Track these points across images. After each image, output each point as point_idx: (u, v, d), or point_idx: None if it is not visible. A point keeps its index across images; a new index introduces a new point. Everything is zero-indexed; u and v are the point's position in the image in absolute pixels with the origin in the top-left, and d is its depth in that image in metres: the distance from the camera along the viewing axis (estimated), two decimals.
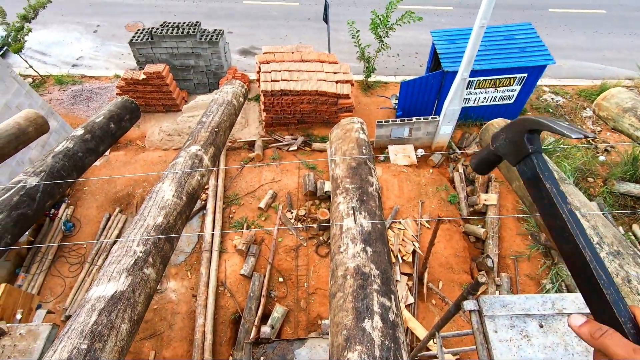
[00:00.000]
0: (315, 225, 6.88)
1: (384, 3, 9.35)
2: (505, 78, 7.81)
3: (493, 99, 8.25)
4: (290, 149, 8.60)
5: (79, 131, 3.01)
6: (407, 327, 5.44)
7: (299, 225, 6.92)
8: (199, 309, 5.92)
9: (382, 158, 8.18)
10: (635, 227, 6.42)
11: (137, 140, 9.20)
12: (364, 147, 2.30)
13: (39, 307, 5.02)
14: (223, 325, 5.84)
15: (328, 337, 1.94)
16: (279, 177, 7.80)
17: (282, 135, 9.04)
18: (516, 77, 7.78)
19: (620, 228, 6.34)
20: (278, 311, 5.78)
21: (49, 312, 2.86)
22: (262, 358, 1.88)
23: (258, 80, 8.84)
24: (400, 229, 6.58)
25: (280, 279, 6.25)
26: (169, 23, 9.43)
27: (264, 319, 5.90)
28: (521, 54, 7.74)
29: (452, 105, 7.46)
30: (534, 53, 7.72)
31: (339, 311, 1.52)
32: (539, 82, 8.89)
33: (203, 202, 7.55)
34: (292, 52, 9.28)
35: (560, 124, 0.91)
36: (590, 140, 8.06)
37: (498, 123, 2.63)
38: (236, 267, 6.37)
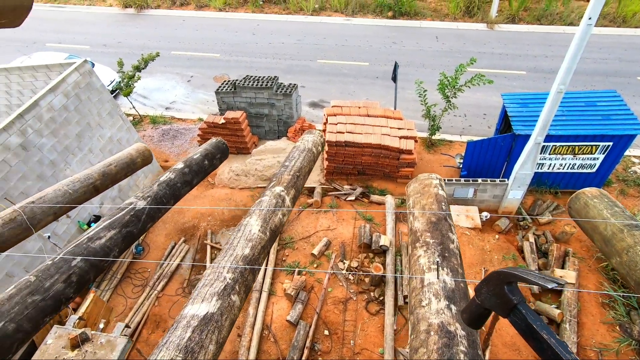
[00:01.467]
0: (367, 280, 6.65)
1: (453, 65, 9.57)
2: (586, 145, 7.28)
3: (571, 166, 7.67)
4: (348, 199, 8.68)
5: (180, 165, 3.48)
6: None
7: (351, 277, 6.75)
8: (242, 350, 5.87)
9: None
10: None
11: (209, 178, 10.00)
12: (443, 204, 2.30)
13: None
14: None
15: None
16: (334, 226, 7.83)
17: (342, 184, 9.21)
18: (599, 145, 7.22)
19: None
20: None
21: (127, 326, 3.11)
22: None
23: (324, 130, 9.31)
24: None
25: (326, 332, 6.02)
26: (251, 76, 10.55)
27: None
28: (605, 121, 7.24)
29: (524, 169, 7.07)
30: (620, 121, 7.17)
31: None
32: (627, 152, 8.13)
33: None
34: (359, 107, 9.72)
35: (533, 275, 0.94)
36: None
37: (591, 192, 2.45)
38: (283, 312, 6.30)
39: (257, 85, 10.16)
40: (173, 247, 7.92)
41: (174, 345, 1.29)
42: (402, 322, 6.04)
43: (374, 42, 15.44)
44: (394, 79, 9.82)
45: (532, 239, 7.13)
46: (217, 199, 8.86)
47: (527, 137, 7.17)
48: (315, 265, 7.07)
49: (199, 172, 3.63)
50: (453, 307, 1.70)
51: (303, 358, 5.69)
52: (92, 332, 2.62)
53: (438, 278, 1.83)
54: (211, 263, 7.25)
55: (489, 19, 16.15)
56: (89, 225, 7.64)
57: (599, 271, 6.47)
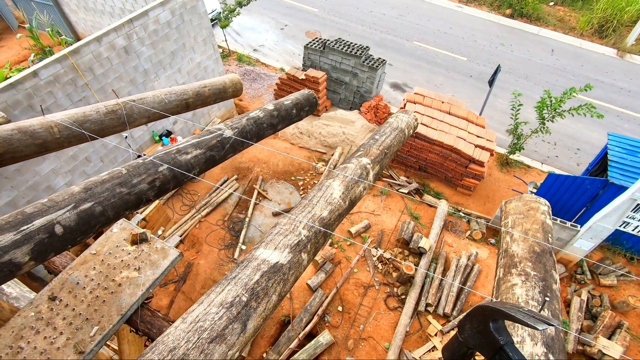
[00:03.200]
0: (394, 274, 6.56)
1: (562, 86, 8.53)
2: None
3: None
4: (400, 190, 8.43)
5: (270, 106, 3.54)
6: None
7: (380, 266, 6.68)
8: None
9: (492, 241, 7.38)
10: None
11: None
12: (549, 235, 2.09)
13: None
14: (271, 321, 5.96)
15: None
16: (379, 212, 7.70)
17: (399, 174, 8.94)
18: None
19: None
20: (325, 337, 5.64)
21: (181, 241, 3.36)
22: None
23: None
24: None
25: (340, 308, 6.11)
26: (343, 40, 10.29)
27: (309, 336, 5.83)
28: None
29: (605, 222, 6.32)
30: None
31: None
32: None
33: None
34: (442, 102, 9.16)
35: (522, 313, 0.78)
36: None
37: None
38: (305, 275, 6.46)
39: (346, 50, 9.91)
40: (225, 181, 8.33)
41: (242, 283, 1.31)
42: (416, 327, 5.93)
43: (480, 37, 14.21)
44: (491, 82, 9.03)
45: (584, 296, 6.49)
46: (277, 149, 9.07)
47: (622, 188, 6.33)
48: (348, 243, 7.08)
49: (285, 119, 3.66)
50: (551, 358, 1.53)
51: (311, 323, 5.86)
52: (151, 235, 2.83)
53: None
54: (253, 209, 7.44)
55: (623, 46, 14.03)
56: (160, 137, 8.23)
57: None
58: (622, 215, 6.15)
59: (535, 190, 8.18)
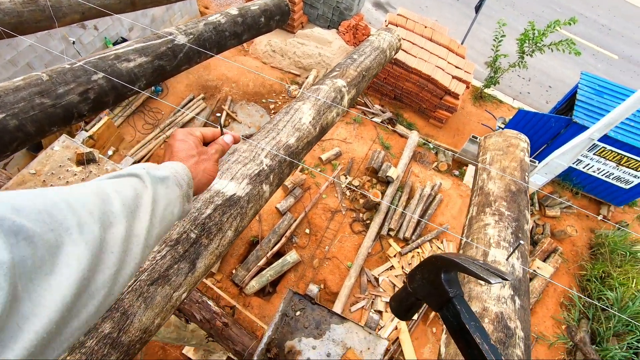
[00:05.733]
0: (361, 201, 6.79)
1: (545, 18, 8.24)
2: (636, 160, 6.76)
3: (608, 174, 7.25)
4: (373, 119, 8.33)
5: (234, 11, 2.99)
6: (397, 338, 5.40)
7: (348, 192, 6.87)
8: None
9: (457, 173, 7.69)
10: None
11: (245, 44, 9.37)
12: (526, 174, 2.04)
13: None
14: (241, 242, 6.15)
15: (370, 329, 1.90)
16: (350, 140, 7.67)
17: (373, 102, 8.74)
18: None
19: None
20: (292, 256, 5.95)
21: (135, 163, 3.11)
22: (298, 312, 1.87)
23: None
24: (440, 248, 6.31)
25: (307, 231, 6.37)
26: None
27: (277, 255, 6.13)
28: None
29: (561, 159, 6.66)
30: None
31: None
32: None
33: None
34: (425, 27, 8.65)
35: (476, 265, 0.76)
36: None
37: None
38: (274, 199, 6.55)
39: None
40: (191, 100, 7.81)
41: (191, 218, 1.15)
42: (377, 249, 6.36)
43: None
44: (478, 8, 8.53)
45: (530, 225, 7.13)
46: (247, 68, 8.45)
47: (584, 128, 6.58)
48: (319, 170, 7.12)
49: (251, 27, 3.13)
50: (517, 301, 1.51)
51: (279, 243, 6.11)
52: (100, 155, 2.58)
53: (507, 260, 1.62)
54: (222, 130, 7.28)
55: None
56: (114, 45, 7.34)
57: (575, 277, 6.65)
58: (578, 154, 6.48)
59: (503, 126, 8.36)
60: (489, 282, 0.73)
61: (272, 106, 8.17)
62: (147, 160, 6.83)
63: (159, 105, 7.64)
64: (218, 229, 1.16)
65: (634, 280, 6.05)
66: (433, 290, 0.88)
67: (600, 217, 7.65)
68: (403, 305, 1.02)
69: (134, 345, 0.90)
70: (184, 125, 7.47)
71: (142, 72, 2.15)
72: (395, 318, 5.63)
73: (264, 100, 8.23)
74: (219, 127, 1.03)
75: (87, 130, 4.49)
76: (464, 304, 0.84)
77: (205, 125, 7.65)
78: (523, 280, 1.60)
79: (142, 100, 7.50)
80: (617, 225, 7.45)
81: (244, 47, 9.28)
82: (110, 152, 4.76)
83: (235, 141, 1.05)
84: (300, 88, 8.47)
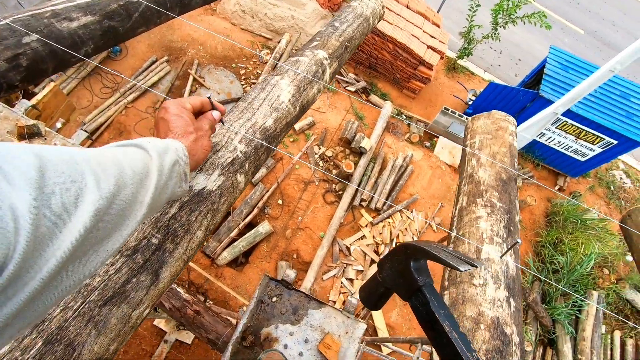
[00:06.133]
0: (334, 172, 6.79)
1: None
2: (593, 135, 7.13)
3: (567, 147, 7.63)
4: (347, 88, 8.17)
5: None
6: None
7: (321, 163, 6.83)
8: None
9: (428, 144, 7.81)
10: (616, 333, 6.36)
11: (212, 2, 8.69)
12: (515, 160, 1.94)
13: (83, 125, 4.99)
14: None
15: (348, 313, 1.90)
16: (324, 109, 7.52)
17: (347, 70, 8.53)
18: (604, 139, 7.10)
19: (604, 327, 6.28)
20: (264, 227, 5.93)
21: (89, 137, 2.81)
22: (275, 298, 1.83)
23: None
24: (410, 218, 6.50)
25: (280, 202, 6.33)
26: None
27: (249, 226, 6.09)
28: (625, 119, 6.97)
29: (527, 132, 6.91)
30: (638, 125, 6.95)
31: None
32: (620, 156, 8.16)
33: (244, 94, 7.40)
34: None
35: (446, 253, 0.76)
36: None
37: None
38: None
39: None
40: (154, 62, 7.26)
41: (152, 220, 0.97)
42: (349, 219, 6.47)
43: None
44: None
45: (519, 216, 7.48)
46: (214, 30, 7.90)
47: (549, 102, 6.80)
48: (291, 139, 6.99)
49: None
50: (512, 303, 1.41)
51: (251, 214, 6.06)
52: (47, 128, 2.29)
53: (501, 258, 1.53)
54: (189, 95, 6.81)
55: None
56: None
57: (531, 243, 7.13)
58: (542, 127, 6.74)
59: (474, 98, 8.49)
60: (459, 270, 0.72)
61: (242, 72, 7.77)
62: (106, 128, 6.39)
63: (118, 67, 7.06)
64: (185, 231, 0.99)
65: (583, 245, 6.58)
66: (402, 279, 0.86)
67: (557, 188, 8.14)
68: (373, 296, 1.00)
69: None
70: (146, 90, 7.00)
71: (89, 34, 1.82)
72: None
73: (233, 65, 7.81)
74: (208, 99, 1.00)
75: (29, 99, 3.94)
76: (434, 292, 0.83)
77: (170, 90, 7.19)
78: (516, 279, 1.53)
79: (98, 60, 6.88)
80: (570, 196, 7.97)
81: (212, 6, 8.63)
82: (58, 125, 4.17)
83: (222, 114, 1.05)
84: (271, 53, 8.08)
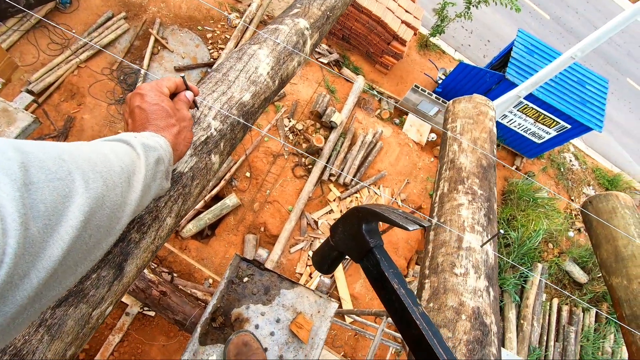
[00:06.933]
0: (304, 145, 6.71)
1: None
2: (550, 119, 7.53)
3: (526, 130, 8.02)
4: (320, 59, 7.96)
5: None
6: (332, 275, 5.79)
7: (291, 136, 6.71)
8: None
9: (397, 121, 7.89)
10: (554, 300, 7.05)
11: None
12: (494, 146, 1.92)
13: (28, 92, 4.45)
14: None
15: (321, 293, 1.89)
16: (295, 81, 7.31)
17: (321, 42, 8.27)
18: (560, 123, 7.52)
19: (544, 295, 6.93)
20: (231, 200, 5.83)
21: (35, 100, 2.51)
22: (246, 278, 1.79)
23: None
24: (376, 193, 6.64)
25: (248, 174, 6.20)
26: None
27: (216, 198, 5.95)
28: (580, 105, 7.39)
29: None
30: (591, 111, 7.40)
31: None
32: (572, 140, 8.71)
33: (213, 59, 6.98)
34: None
35: (396, 214, 0.80)
36: (573, 216, 8.34)
37: (625, 200, 2.10)
38: None
39: None
40: (110, 18, 6.62)
41: None
42: (318, 193, 6.49)
43: None
44: None
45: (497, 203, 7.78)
46: None
47: (513, 85, 7.02)
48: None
49: None
50: (491, 292, 1.40)
51: (218, 186, 5.91)
52: None
53: (481, 247, 1.54)
54: (150, 59, 6.34)
55: None
56: None
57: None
58: (505, 110, 6.99)
59: (444, 77, 8.60)
60: (407, 229, 0.74)
61: (209, 35, 7.30)
62: (56, 89, 5.83)
63: (69, 21, 6.37)
64: (153, 218, 0.89)
65: (533, 222, 7.10)
66: (354, 242, 0.88)
67: (514, 168, 8.61)
68: (326, 260, 1.02)
69: None
70: (101, 50, 6.42)
71: None
72: None
73: (199, 28, 7.30)
74: (181, 79, 0.91)
75: None
76: (384, 253, 0.85)
77: (129, 51, 6.63)
78: (495, 268, 1.54)
79: (44, 11, 6.16)
80: (526, 175, 8.48)
81: None
82: None
83: (195, 94, 0.96)
84: (241, 17, 7.63)
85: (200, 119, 1.05)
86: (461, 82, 8.01)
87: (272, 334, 1.75)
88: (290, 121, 6.83)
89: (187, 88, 0.92)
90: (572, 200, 8.68)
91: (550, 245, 7.52)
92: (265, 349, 1.75)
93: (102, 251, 0.55)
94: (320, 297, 1.84)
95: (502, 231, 1.55)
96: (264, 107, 1.41)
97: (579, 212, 8.51)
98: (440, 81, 8.69)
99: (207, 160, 1.03)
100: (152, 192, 0.70)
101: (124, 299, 4.94)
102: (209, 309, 1.65)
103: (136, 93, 0.81)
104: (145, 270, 1.77)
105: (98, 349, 4.62)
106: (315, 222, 6.23)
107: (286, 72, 1.44)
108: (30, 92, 5.32)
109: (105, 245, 0.55)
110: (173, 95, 0.90)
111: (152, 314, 4.99)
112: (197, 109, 1.05)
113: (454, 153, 1.91)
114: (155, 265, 4.95)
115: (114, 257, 0.77)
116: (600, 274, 7.22)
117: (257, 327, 1.74)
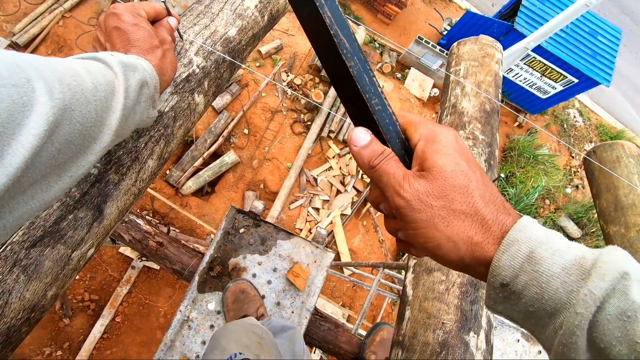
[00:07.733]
0: (302, 101, 6.55)
1: None
2: (558, 72, 7.26)
3: (532, 84, 7.77)
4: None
5: None
6: (332, 231, 5.91)
7: (289, 91, 6.53)
8: None
9: (399, 76, 7.63)
10: None
11: None
12: (499, 90, 1.81)
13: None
14: None
15: (317, 244, 1.91)
16: (293, 32, 6.96)
17: None
18: (567, 77, 7.26)
19: None
20: (230, 157, 5.80)
21: (12, 43, 2.38)
22: (242, 229, 1.80)
23: None
24: None
25: (246, 131, 6.12)
26: None
27: (214, 156, 5.92)
28: (589, 58, 7.09)
29: None
30: (600, 64, 7.12)
31: (437, 300, 1.19)
32: (577, 95, 8.48)
33: None
34: None
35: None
36: (572, 173, 8.33)
37: (630, 150, 1.99)
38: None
39: None
40: None
41: None
42: (317, 150, 6.45)
43: None
44: None
45: (498, 149, 7.67)
46: None
47: (522, 36, 6.70)
48: (257, 64, 6.53)
49: None
50: None
51: (216, 143, 5.85)
52: None
53: None
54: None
55: None
56: None
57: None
58: (512, 63, 6.73)
59: (449, 27, 8.19)
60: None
61: None
62: (42, 41, 5.57)
63: None
64: (133, 159, 0.85)
65: (532, 179, 7.11)
66: None
67: (516, 124, 8.47)
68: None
69: (18, 330, 0.68)
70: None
71: None
72: (331, 214, 6.08)
73: None
74: (162, 4, 0.84)
75: None
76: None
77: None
78: None
79: None
80: (527, 133, 8.36)
81: None
82: None
83: (177, 22, 0.89)
84: None
85: (180, 53, 0.97)
86: (467, 34, 7.62)
87: (269, 282, 1.81)
88: (288, 75, 6.60)
89: (169, 15, 0.85)
90: (573, 157, 8.63)
91: (547, 201, 7.60)
92: (263, 296, 1.81)
93: (81, 169, 0.53)
94: (317, 247, 1.88)
95: (502, 175, 1.52)
96: (253, 46, 1.32)
97: (578, 168, 8.51)
98: (445, 32, 8.28)
99: (189, 100, 0.96)
100: (136, 117, 0.66)
101: (128, 254, 5.09)
102: (206, 258, 1.69)
103: (111, 13, 0.74)
104: (141, 221, 1.78)
105: (107, 300, 4.84)
106: (315, 179, 6.24)
107: (276, 7, 1.32)
108: (15, 44, 5.09)
109: (85, 163, 0.53)
110: (152, 24, 0.83)
111: (157, 267, 5.17)
112: (182, 39, 0.98)
113: (456, 97, 1.81)
114: (151, 218, 5.04)
115: (91, 198, 0.75)
116: (594, 229, 7.38)
117: (254, 276, 1.79)
